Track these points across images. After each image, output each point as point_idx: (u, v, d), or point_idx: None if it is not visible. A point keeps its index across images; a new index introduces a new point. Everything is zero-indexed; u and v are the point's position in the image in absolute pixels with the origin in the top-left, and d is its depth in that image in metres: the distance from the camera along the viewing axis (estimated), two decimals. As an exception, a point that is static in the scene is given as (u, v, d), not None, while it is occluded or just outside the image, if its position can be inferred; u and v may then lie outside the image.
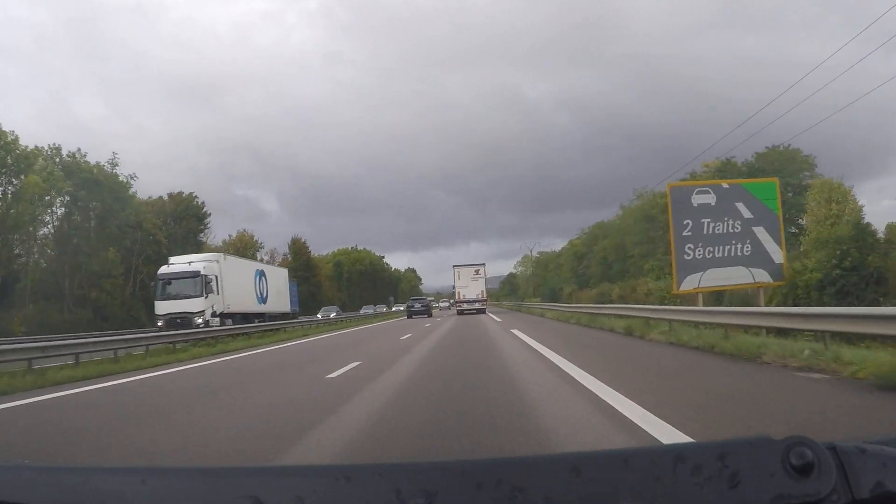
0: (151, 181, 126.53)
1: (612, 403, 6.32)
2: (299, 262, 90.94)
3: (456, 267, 55.18)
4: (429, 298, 73.76)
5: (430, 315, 53.38)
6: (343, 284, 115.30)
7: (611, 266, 62.36)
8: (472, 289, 53.26)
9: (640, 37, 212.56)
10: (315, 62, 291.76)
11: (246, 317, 32.16)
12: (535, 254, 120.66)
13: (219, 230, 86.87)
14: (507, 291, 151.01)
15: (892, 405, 5.99)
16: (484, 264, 56.54)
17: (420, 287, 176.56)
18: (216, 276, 29.65)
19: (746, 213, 18.96)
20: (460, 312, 50.75)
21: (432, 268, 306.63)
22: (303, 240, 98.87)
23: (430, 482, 0.91)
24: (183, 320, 27.60)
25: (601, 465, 0.94)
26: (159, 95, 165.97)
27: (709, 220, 18.77)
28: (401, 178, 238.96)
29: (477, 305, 51.65)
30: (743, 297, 22.97)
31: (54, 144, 51.67)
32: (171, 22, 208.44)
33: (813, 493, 0.83)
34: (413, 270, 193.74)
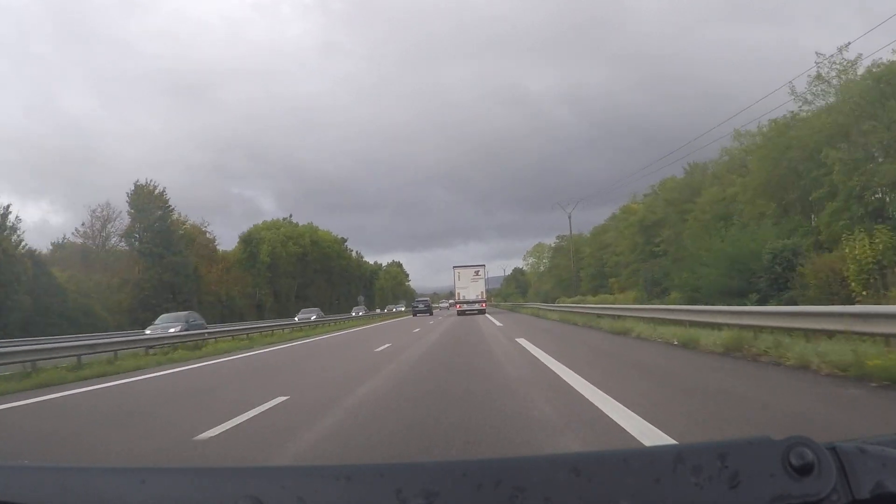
0: (142, 178, 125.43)
1: None
2: (147, 224, 52.47)
3: (456, 268, 55.33)
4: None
5: (430, 314, 60.59)
6: (261, 277, 72.20)
7: (732, 232, 31.07)
8: (471, 290, 53.43)
9: (645, 32, 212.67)
10: (311, 57, 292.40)
11: None
12: (558, 237, 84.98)
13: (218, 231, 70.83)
14: (513, 290, 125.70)
15: None
16: (484, 265, 56.95)
17: (408, 284, 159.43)
18: None
19: None
20: (461, 313, 50.86)
21: (430, 268, 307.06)
22: (157, 188, 53.98)
23: (431, 482, 0.92)
24: None
25: (601, 465, 0.94)
26: (152, 91, 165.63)
27: None
28: (399, 175, 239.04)
29: (476, 306, 51.90)
30: None
31: None
32: (162, 15, 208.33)
33: (813, 494, 0.83)
34: (399, 265, 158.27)
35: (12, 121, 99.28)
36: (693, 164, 49.53)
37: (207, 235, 67.70)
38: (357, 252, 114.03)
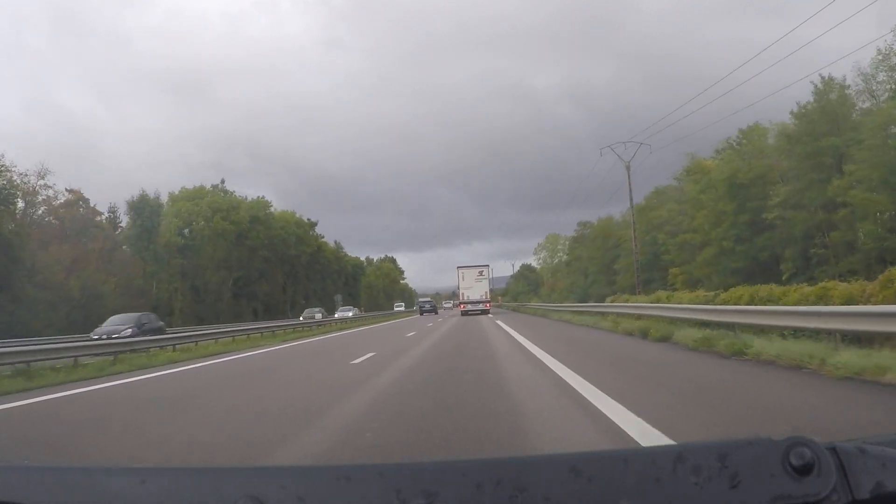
0: (141, 178, 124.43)
1: None
2: None
3: (460, 268, 55.40)
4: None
5: (436, 313, 64.94)
6: (166, 266, 51.44)
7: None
8: (475, 290, 53.52)
9: (649, 31, 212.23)
10: (313, 55, 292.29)
11: None
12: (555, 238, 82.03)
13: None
14: (524, 288, 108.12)
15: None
16: (488, 265, 57.34)
17: (404, 282, 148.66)
18: None
19: None
20: (464, 314, 50.87)
21: (433, 268, 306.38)
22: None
23: (431, 482, 0.92)
24: None
25: (601, 465, 0.94)
26: (152, 89, 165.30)
27: None
28: (402, 174, 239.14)
29: (480, 307, 51.90)
30: None
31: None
32: (161, 12, 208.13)
33: (813, 494, 0.83)
34: (393, 261, 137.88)
35: (10, 118, 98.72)
36: (828, 80, 32.15)
37: (62, 196, 44.82)
38: (336, 242, 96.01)
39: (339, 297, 72.78)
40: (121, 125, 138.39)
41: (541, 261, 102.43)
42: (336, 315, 53.89)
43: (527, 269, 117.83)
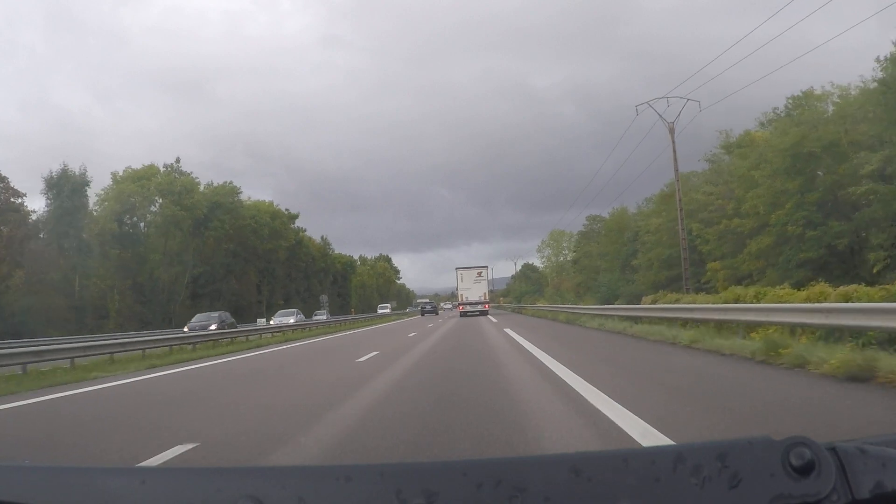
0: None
1: None
2: None
3: (459, 269, 55.51)
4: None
5: (436, 314, 67.56)
6: (99, 259, 42.91)
7: None
8: (474, 291, 53.64)
9: (651, 31, 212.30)
10: (314, 53, 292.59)
11: None
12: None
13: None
14: (528, 288, 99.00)
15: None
16: (487, 266, 57.40)
17: (400, 283, 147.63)
18: None
19: None
20: (463, 314, 50.93)
21: (433, 269, 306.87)
22: None
23: (431, 482, 0.92)
24: None
25: (601, 465, 0.94)
26: (151, 88, 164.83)
27: None
28: (402, 174, 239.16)
29: (479, 308, 51.99)
30: None
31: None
32: (160, 11, 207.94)
33: (813, 493, 0.83)
34: (388, 259, 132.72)
35: (6, 117, 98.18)
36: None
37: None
38: (323, 238, 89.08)
39: (324, 298, 65.02)
40: (119, 125, 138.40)
41: (545, 259, 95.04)
42: (273, 321, 41.49)
43: (529, 268, 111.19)
